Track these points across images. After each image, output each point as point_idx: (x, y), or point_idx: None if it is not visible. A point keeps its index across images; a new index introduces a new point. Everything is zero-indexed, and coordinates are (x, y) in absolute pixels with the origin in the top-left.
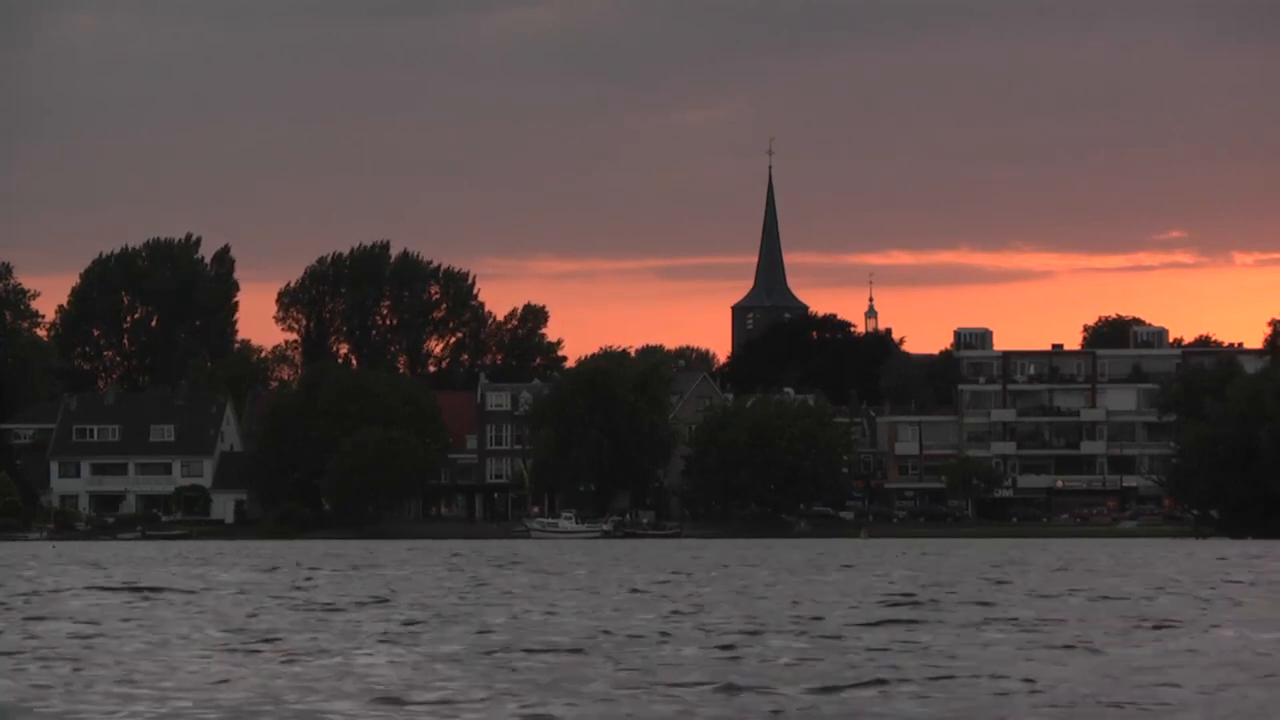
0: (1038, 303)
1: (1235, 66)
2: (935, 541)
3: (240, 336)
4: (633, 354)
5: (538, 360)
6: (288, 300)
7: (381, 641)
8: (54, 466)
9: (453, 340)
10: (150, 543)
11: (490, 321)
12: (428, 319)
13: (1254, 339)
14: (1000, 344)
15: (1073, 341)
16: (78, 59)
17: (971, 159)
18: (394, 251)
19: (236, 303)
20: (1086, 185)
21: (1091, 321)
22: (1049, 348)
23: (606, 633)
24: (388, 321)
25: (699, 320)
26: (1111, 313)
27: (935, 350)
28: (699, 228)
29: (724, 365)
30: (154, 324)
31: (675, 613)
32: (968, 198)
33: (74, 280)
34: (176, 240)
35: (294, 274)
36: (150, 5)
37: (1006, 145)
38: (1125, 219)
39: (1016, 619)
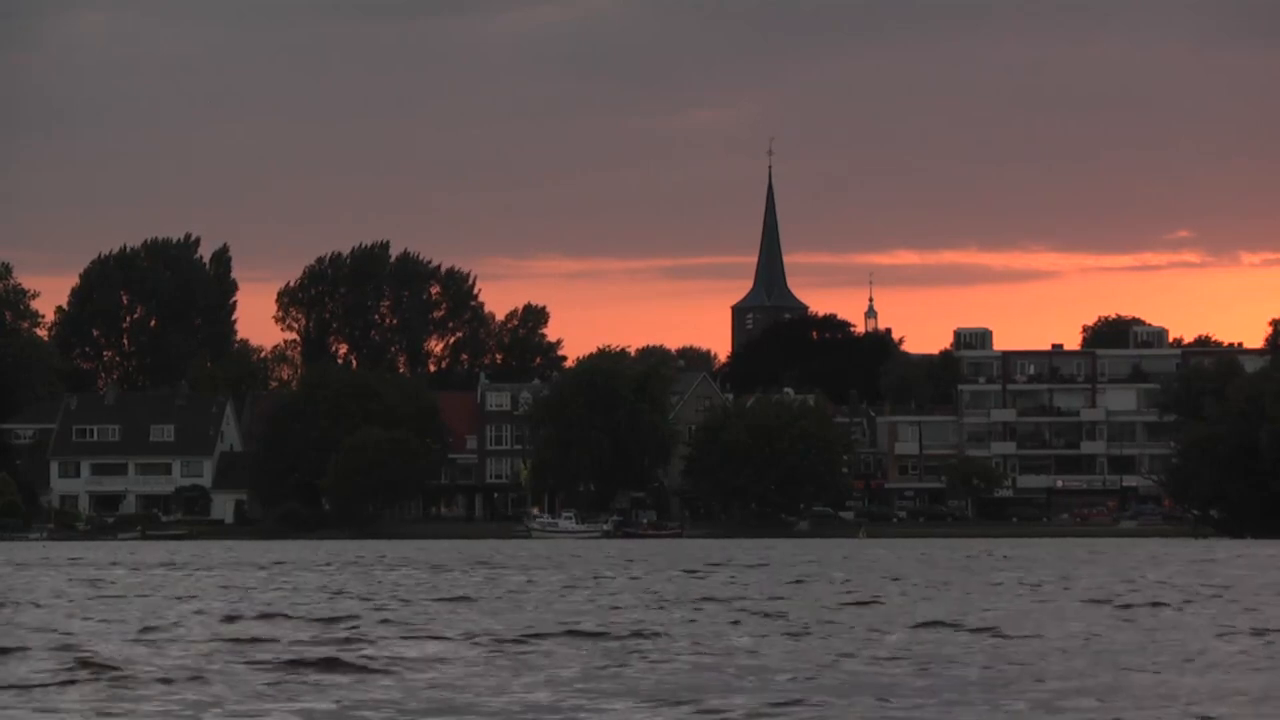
0: (1043, 302)
1: (1243, 66)
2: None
3: (240, 336)
4: (633, 354)
5: (538, 360)
6: (287, 300)
7: None
8: (54, 466)
9: (453, 340)
10: (153, 543)
11: (491, 321)
12: (428, 319)
13: (1257, 339)
14: (1000, 344)
15: (1072, 341)
16: (80, 59)
17: (979, 159)
18: (394, 251)
19: (235, 303)
20: (1094, 185)
21: (1093, 321)
22: (1049, 348)
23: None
24: (388, 321)
25: (699, 320)
26: (1119, 312)
27: (935, 350)
28: (699, 228)
29: (724, 365)
30: (153, 324)
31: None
32: (976, 198)
33: (74, 280)
34: (175, 240)
35: (294, 274)
36: (161, 4)
37: (1013, 145)
38: (1132, 219)
39: None
